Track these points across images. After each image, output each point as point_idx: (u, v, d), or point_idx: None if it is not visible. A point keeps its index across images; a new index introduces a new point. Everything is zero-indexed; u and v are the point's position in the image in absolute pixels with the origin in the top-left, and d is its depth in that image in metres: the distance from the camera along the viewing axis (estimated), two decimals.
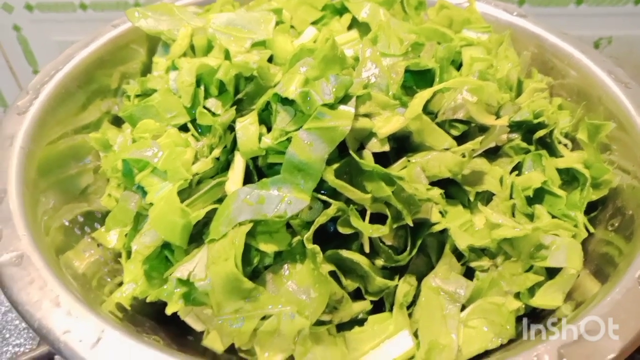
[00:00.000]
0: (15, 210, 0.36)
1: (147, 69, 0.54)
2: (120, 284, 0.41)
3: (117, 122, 0.51)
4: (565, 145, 0.48)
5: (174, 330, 0.40)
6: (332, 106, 0.36)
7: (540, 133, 0.46)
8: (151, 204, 0.39)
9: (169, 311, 0.37)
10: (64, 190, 0.44)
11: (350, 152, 0.37)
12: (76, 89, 0.48)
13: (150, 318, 0.40)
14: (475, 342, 0.37)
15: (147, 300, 0.38)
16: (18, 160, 0.39)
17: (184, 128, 0.43)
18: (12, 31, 0.89)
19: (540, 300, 0.38)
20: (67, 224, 0.43)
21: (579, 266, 0.39)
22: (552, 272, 0.40)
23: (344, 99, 0.37)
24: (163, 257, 0.39)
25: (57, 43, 0.88)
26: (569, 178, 0.46)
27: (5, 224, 0.35)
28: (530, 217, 0.42)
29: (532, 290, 0.39)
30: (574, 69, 0.52)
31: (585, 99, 0.50)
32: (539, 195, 0.43)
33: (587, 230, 0.42)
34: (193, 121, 0.43)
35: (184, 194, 0.39)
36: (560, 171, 0.45)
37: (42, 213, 0.39)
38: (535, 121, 0.46)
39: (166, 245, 0.39)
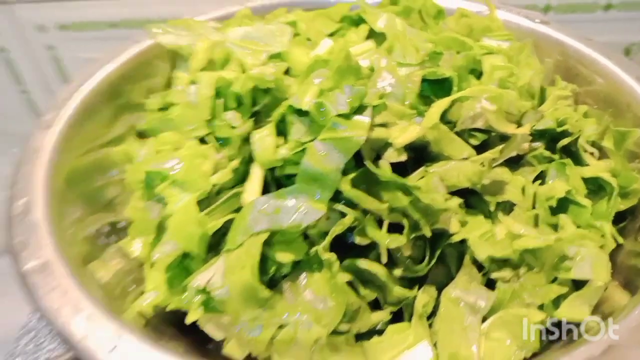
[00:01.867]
0: (42, 221, 0.37)
1: (171, 84, 0.55)
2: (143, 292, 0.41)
3: (143, 135, 0.52)
4: (592, 153, 0.47)
5: (194, 339, 0.40)
6: (346, 116, 0.37)
7: (565, 141, 0.45)
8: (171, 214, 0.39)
9: (188, 320, 0.38)
10: (90, 202, 0.45)
11: (366, 162, 0.37)
12: (101, 104, 0.49)
13: (172, 326, 0.40)
14: (496, 355, 0.36)
15: (168, 309, 0.39)
16: (45, 172, 0.40)
17: (204, 140, 0.44)
18: (46, 51, 0.92)
19: (565, 312, 0.37)
20: (93, 233, 0.44)
21: (605, 278, 0.37)
22: (578, 284, 0.38)
23: (359, 109, 0.37)
24: (184, 265, 0.40)
25: (89, 61, 0.91)
26: (596, 187, 0.44)
27: (31, 233, 0.37)
28: (555, 227, 0.41)
29: (556, 302, 0.37)
30: (600, 75, 0.51)
31: (612, 106, 0.49)
32: (563, 205, 0.42)
33: (616, 241, 0.41)
34: (212, 133, 0.43)
35: (203, 204, 0.39)
36: (586, 180, 0.44)
37: (68, 223, 0.40)
38: (559, 129, 0.45)
39: (187, 254, 0.39)
